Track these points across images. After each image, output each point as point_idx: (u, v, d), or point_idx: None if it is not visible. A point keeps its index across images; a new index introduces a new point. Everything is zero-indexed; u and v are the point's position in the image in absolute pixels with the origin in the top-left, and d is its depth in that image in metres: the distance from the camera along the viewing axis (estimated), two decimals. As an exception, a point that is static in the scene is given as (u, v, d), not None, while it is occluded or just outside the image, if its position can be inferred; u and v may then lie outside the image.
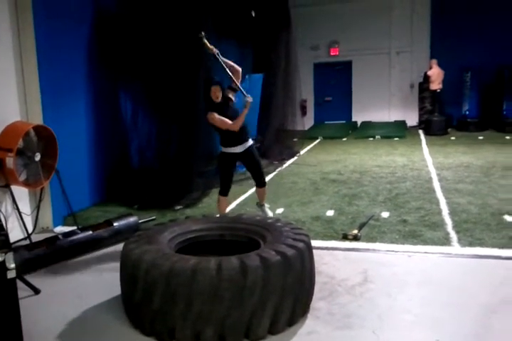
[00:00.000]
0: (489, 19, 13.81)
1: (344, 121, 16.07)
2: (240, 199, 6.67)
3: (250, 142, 5.07)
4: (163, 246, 3.26)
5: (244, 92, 4.87)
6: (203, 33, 4.80)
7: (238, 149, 4.96)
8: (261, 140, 9.87)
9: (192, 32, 6.67)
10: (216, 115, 4.80)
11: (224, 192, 5.11)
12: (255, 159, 5.12)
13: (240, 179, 7.31)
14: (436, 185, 7.03)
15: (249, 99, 4.82)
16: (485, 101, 14.21)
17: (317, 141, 13.38)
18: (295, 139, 11.79)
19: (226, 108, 4.89)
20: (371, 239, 4.82)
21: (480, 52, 13.78)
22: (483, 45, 13.82)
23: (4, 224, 3.02)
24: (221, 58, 4.83)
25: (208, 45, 4.81)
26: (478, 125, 13.60)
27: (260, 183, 5.23)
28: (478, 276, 3.86)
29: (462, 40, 14.06)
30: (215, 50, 4.81)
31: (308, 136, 13.34)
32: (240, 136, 4.93)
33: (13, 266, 2.48)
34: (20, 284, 3.47)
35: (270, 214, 5.32)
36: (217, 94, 4.82)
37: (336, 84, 16.53)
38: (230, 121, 4.80)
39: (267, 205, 5.40)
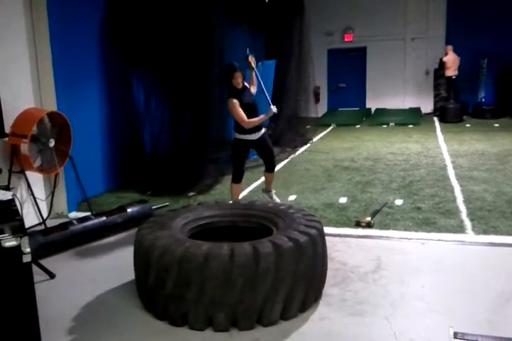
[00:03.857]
0: (506, 5, 13.52)
1: (358, 108, 15.91)
2: (253, 186, 6.68)
3: (263, 130, 5.12)
4: (176, 232, 3.28)
5: (270, 102, 5.02)
6: (250, 56, 5.11)
7: (252, 137, 5.01)
8: (273, 127, 9.83)
9: (205, 17, 6.67)
10: (237, 104, 4.87)
11: (236, 179, 5.13)
12: (268, 147, 5.19)
13: (252, 166, 7.31)
14: (451, 173, 6.97)
15: (274, 109, 4.93)
16: (501, 88, 13.96)
17: (330, 128, 13.30)
18: (308, 126, 11.72)
19: (246, 94, 4.96)
20: (384, 227, 4.80)
21: (497, 38, 13.53)
22: (500, 31, 13.55)
23: (20, 210, 3.04)
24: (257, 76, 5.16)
25: (252, 64, 5.13)
26: (494, 112, 13.40)
27: (270, 168, 5.30)
28: (492, 264, 3.84)
29: (478, 25, 13.79)
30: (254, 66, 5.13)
31: (321, 123, 13.27)
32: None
33: (28, 250, 2.51)
34: (35, 268, 3.51)
35: (278, 200, 5.33)
36: (238, 80, 4.89)
37: (350, 70, 16.36)
38: (245, 117, 4.86)
39: (273, 191, 5.43)
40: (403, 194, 5.94)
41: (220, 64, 7.13)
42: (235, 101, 4.86)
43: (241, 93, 4.92)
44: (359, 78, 16.19)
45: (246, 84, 5.06)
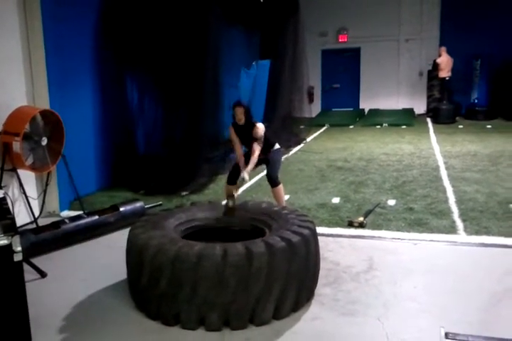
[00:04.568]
0: (500, 6, 13.61)
1: (351, 109, 15.95)
2: (246, 185, 6.66)
3: (274, 148, 5.03)
4: (169, 232, 3.27)
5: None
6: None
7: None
8: (267, 126, 9.83)
9: (200, 17, 6.66)
10: (232, 131, 4.96)
11: (228, 180, 5.10)
12: (272, 161, 5.01)
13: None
14: (443, 174, 7.00)
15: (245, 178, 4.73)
16: (494, 90, 14.06)
17: (324, 128, 13.31)
18: (302, 126, 11.74)
19: (244, 132, 4.87)
20: (377, 227, 4.81)
21: (490, 39, 13.60)
22: (494, 33, 13.62)
23: (11, 208, 3.02)
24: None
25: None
26: (486, 113, 13.47)
27: (270, 182, 5.02)
28: (483, 264, 3.85)
29: (472, 27, 13.85)
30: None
31: (315, 123, 13.29)
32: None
33: (19, 249, 2.49)
34: (26, 267, 3.50)
35: None
36: (239, 116, 4.79)
37: (344, 71, 16.39)
38: (239, 148, 4.96)
39: None
40: (396, 194, 5.96)
41: (214, 63, 7.13)
42: (232, 130, 4.98)
43: (239, 128, 4.89)
44: (353, 79, 16.24)
45: (257, 125, 4.83)
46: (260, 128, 4.83)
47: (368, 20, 15.22)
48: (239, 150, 5.02)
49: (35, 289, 3.45)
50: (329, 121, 13.95)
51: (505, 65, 13.53)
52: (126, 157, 6.93)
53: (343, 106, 16.04)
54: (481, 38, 13.68)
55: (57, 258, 4.27)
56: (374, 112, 15.13)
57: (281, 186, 5.03)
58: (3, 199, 3.07)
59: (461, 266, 3.84)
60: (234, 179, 5.07)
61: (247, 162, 4.83)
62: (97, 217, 4.81)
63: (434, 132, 11.58)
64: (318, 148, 9.71)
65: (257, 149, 4.80)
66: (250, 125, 4.85)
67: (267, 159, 5.01)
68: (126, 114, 7.03)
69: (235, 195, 4.12)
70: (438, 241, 4.39)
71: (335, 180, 6.84)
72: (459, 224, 4.80)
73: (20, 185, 5.00)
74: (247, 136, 4.87)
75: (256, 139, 4.82)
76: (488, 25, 13.67)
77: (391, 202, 5.61)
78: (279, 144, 5.20)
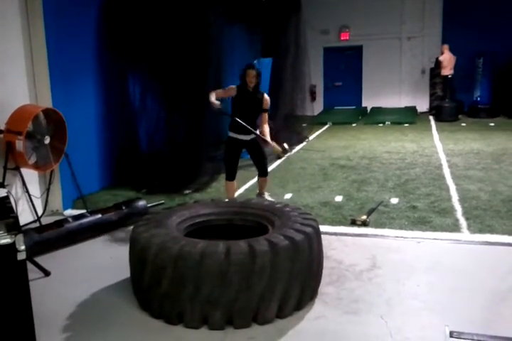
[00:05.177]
0: (502, 4, 13.56)
1: (354, 107, 15.92)
2: (249, 184, 6.67)
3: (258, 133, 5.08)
4: (172, 230, 3.27)
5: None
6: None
7: (244, 137, 5.01)
8: (270, 125, 9.81)
9: (202, 15, 6.65)
10: (228, 89, 4.96)
11: (229, 176, 5.14)
12: (260, 150, 5.14)
13: (247, 165, 7.28)
14: (446, 172, 6.98)
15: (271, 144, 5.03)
16: (497, 88, 14.00)
17: (326, 126, 13.30)
18: (304, 124, 11.72)
19: (250, 97, 4.86)
20: (380, 225, 4.80)
21: (493, 37, 13.55)
22: (496, 31, 13.57)
23: (14, 207, 3.02)
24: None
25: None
26: (489, 111, 13.45)
27: (263, 173, 5.27)
28: (487, 263, 3.85)
29: (475, 25, 13.80)
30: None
31: (317, 122, 13.26)
32: (246, 127, 4.93)
33: (23, 247, 2.48)
34: (30, 266, 3.50)
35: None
36: (251, 79, 4.78)
37: (346, 69, 16.36)
38: (211, 94, 4.88)
39: (267, 193, 5.46)
40: (399, 193, 5.95)
41: (216, 61, 7.12)
42: (231, 86, 4.96)
43: (244, 93, 4.86)
44: (355, 77, 16.20)
45: (265, 96, 4.96)
46: (269, 100, 4.96)
47: (370, 18, 15.17)
48: (214, 95, 4.92)
49: (38, 288, 3.45)
50: (331, 120, 13.94)
51: (508, 63, 13.50)
52: (129, 156, 6.93)
53: (346, 104, 16.01)
54: (483, 36, 13.63)
55: (60, 257, 4.27)
56: (376, 110, 15.11)
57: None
58: (7, 198, 3.06)
59: (464, 264, 3.83)
60: (231, 175, 5.11)
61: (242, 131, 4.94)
62: (100, 215, 4.82)
63: (437, 130, 11.56)
64: (321, 147, 9.70)
65: (266, 121, 5.01)
66: (258, 93, 4.88)
67: (254, 144, 5.06)
68: (128, 112, 7.03)
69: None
70: (441, 239, 4.38)
71: (337, 179, 6.83)
72: (463, 222, 4.79)
73: (24, 183, 5.00)
74: (251, 104, 4.87)
75: (266, 110, 4.96)
76: (490, 22, 13.62)
77: (394, 201, 5.60)
78: (280, 142, 5.26)
